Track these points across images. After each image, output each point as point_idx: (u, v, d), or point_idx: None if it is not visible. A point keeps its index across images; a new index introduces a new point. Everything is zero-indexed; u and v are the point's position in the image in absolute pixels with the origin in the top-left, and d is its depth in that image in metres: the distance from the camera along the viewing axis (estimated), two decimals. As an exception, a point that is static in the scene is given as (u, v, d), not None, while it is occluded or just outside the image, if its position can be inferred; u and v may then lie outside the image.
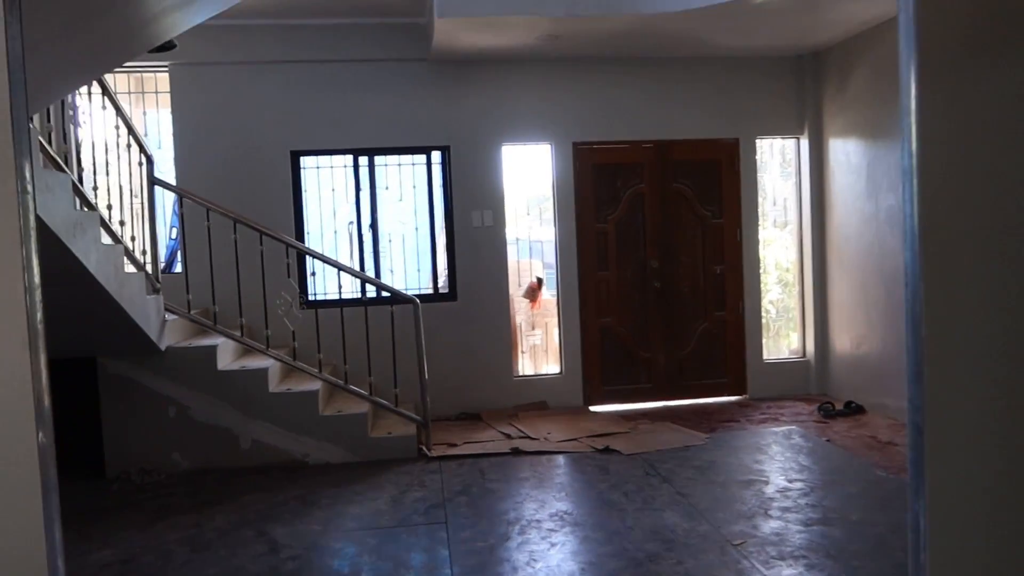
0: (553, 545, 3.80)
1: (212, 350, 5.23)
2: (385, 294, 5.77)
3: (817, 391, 6.82)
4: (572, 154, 6.56)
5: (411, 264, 6.56)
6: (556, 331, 6.81)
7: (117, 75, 6.20)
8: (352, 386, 5.46)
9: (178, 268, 6.20)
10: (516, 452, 5.35)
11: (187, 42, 5.92)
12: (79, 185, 4.15)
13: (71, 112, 4.13)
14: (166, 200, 6.94)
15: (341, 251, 6.57)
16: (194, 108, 6.15)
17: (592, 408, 6.55)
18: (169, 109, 6.15)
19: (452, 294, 6.50)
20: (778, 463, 4.94)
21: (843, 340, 6.57)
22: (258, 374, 5.27)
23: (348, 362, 5.48)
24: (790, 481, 4.58)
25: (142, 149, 5.01)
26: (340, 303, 5.63)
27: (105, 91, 4.49)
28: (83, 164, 4.36)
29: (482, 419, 6.24)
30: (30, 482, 1.82)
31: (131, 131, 4.82)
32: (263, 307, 5.43)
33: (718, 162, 6.80)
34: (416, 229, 6.54)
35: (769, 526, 3.92)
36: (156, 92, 6.37)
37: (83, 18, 2.65)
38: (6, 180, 1.93)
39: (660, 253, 6.72)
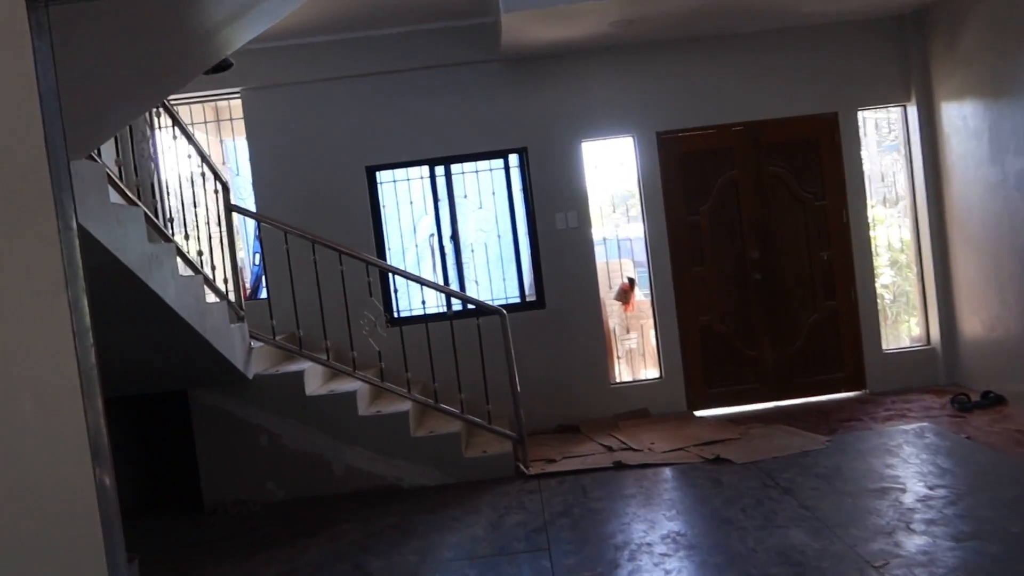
0: (668, 573, 3.45)
1: (299, 376, 5.12)
2: (470, 306, 5.54)
3: (947, 382, 6.19)
4: (656, 144, 6.18)
5: (496, 273, 6.32)
6: (652, 333, 6.44)
7: (194, 105, 6.22)
8: (443, 404, 5.25)
9: (265, 293, 6.16)
10: (619, 466, 5.01)
11: (255, 65, 5.90)
12: (153, 218, 4.09)
13: (144, 144, 4.07)
14: (248, 227, 6.95)
15: (424, 265, 6.40)
16: (268, 131, 6.10)
17: (697, 413, 6.14)
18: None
19: (540, 301, 6.22)
20: (913, 467, 4.43)
21: (973, 323, 5.93)
22: (346, 398, 5.13)
23: (437, 380, 5.28)
24: (931, 488, 4.08)
25: (217, 176, 4.95)
26: (424, 319, 5.43)
27: (175, 121, 4.43)
28: (158, 196, 4.29)
29: (580, 431, 5.93)
30: (90, 521, 1.61)
31: (204, 159, 4.76)
32: (347, 328, 5.29)
33: (816, 140, 6.28)
34: (498, 236, 6.30)
35: (913, 543, 3.45)
36: (231, 119, 6.36)
37: (132, 41, 2.50)
38: (45, 219, 1.75)
39: (759, 243, 6.25)
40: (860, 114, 6.33)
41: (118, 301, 3.85)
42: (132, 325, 4.11)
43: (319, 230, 5.54)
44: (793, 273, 6.27)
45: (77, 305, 1.86)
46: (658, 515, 4.14)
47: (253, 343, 5.16)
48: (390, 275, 5.99)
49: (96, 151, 3.68)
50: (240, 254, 6.63)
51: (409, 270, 6.25)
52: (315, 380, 5.35)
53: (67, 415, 1.68)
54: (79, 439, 1.70)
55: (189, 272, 4.49)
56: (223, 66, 3.59)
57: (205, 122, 6.30)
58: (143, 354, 4.52)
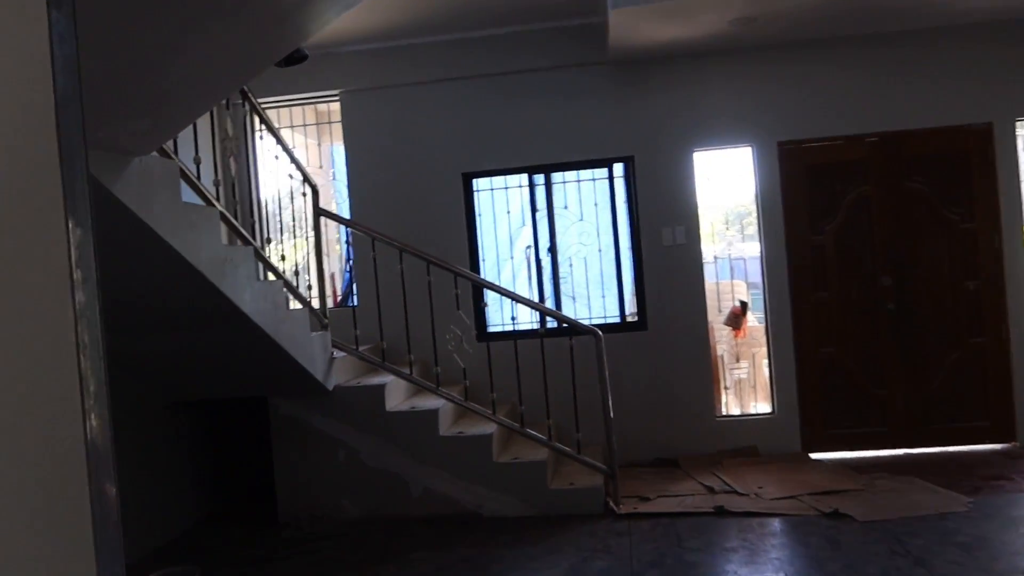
0: (771, 651, 2.94)
1: (380, 390, 4.87)
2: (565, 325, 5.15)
3: (1119, 438, 5.30)
4: (778, 155, 5.61)
5: (595, 290, 5.91)
6: (765, 363, 5.85)
7: (295, 108, 6.15)
8: (529, 430, 4.88)
9: (355, 301, 5.99)
10: (720, 512, 4.49)
11: (355, 67, 5.76)
12: (232, 220, 3.94)
13: (228, 143, 3.93)
14: (344, 234, 6.82)
15: (519, 278, 6.07)
16: (365, 135, 5.94)
17: (813, 456, 5.49)
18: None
19: (642, 322, 5.76)
20: (1081, 542, 3.70)
21: None
22: (428, 416, 4.84)
23: (525, 402, 4.92)
24: (1106, 572, 3.36)
25: (306, 179, 4.79)
26: (514, 335, 5.08)
27: (262, 119, 4.28)
28: (244, 199, 4.14)
29: (680, 466, 5.42)
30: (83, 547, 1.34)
31: (293, 160, 4.61)
32: (432, 342, 5.01)
33: (965, 153, 5.54)
34: (599, 251, 5.88)
35: (1087, 645, 2.80)
36: (329, 123, 6.25)
37: (189, 26, 2.28)
38: (50, 216, 1.50)
39: (893, 268, 5.56)
40: (1020, 125, 5.54)
41: (188, 304, 3.70)
42: (204, 329, 3.97)
43: (412, 238, 5.31)
44: (932, 304, 5.54)
45: (85, 314, 1.59)
46: (763, 576, 3.62)
47: (336, 353, 4.96)
48: (483, 287, 5.68)
49: (173, 148, 3.54)
50: (336, 261, 6.52)
51: (504, 283, 5.94)
52: (397, 395, 5.09)
53: (70, 446, 1.40)
54: (76, 457, 1.44)
55: (272, 277, 4.33)
56: (297, 57, 3.38)
57: (304, 125, 6.21)
58: (218, 359, 4.39)
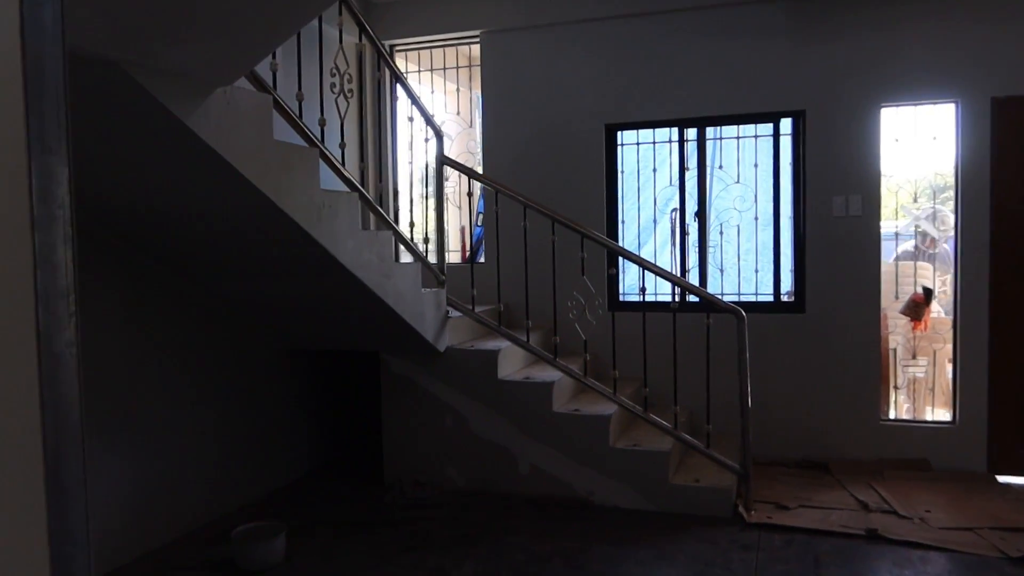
0: None
1: (493, 356, 4.51)
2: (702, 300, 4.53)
3: None
4: (992, 115, 4.61)
5: (747, 263, 5.20)
6: (949, 362, 4.93)
7: (434, 51, 5.81)
8: (654, 415, 4.35)
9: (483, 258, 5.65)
10: (873, 536, 3.77)
11: (497, 4, 5.33)
12: (336, 163, 3.65)
13: (337, 80, 3.63)
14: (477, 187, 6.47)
15: (660, 243, 5.47)
16: (502, 80, 5.51)
17: (1001, 479, 4.58)
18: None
19: (799, 303, 5.01)
20: None
21: None
22: (542, 388, 4.43)
23: (651, 383, 4.40)
24: None
25: (428, 122, 4.44)
26: (643, 306, 4.53)
27: (380, 54, 3.93)
28: (347, 140, 3.84)
29: (830, 472, 4.69)
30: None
31: (413, 101, 4.26)
32: (552, 308, 4.57)
33: None
34: (755, 219, 5.16)
35: None
36: (469, 66, 5.87)
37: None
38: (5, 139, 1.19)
39: None
40: None
41: (282, 250, 3.48)
42: (304, 278, 3.75)
43: (546, 194, 4.90)
44: None
45: (48, 259, 1.27)
46: (918, 630, 2.93)
47: (451, 312, 4.65)
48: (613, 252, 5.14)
49: (272, 81, 3.28)
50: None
51: (645, 249, 5.38)
52: (512, 363, 4.71)
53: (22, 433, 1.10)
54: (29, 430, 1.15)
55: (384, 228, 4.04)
56: None
57: (444, 68, 5.86)
58: (322, 311, 4.19)
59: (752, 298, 5.17)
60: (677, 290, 4.71)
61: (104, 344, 3.50)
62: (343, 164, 3.71)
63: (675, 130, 5.24)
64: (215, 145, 2.74)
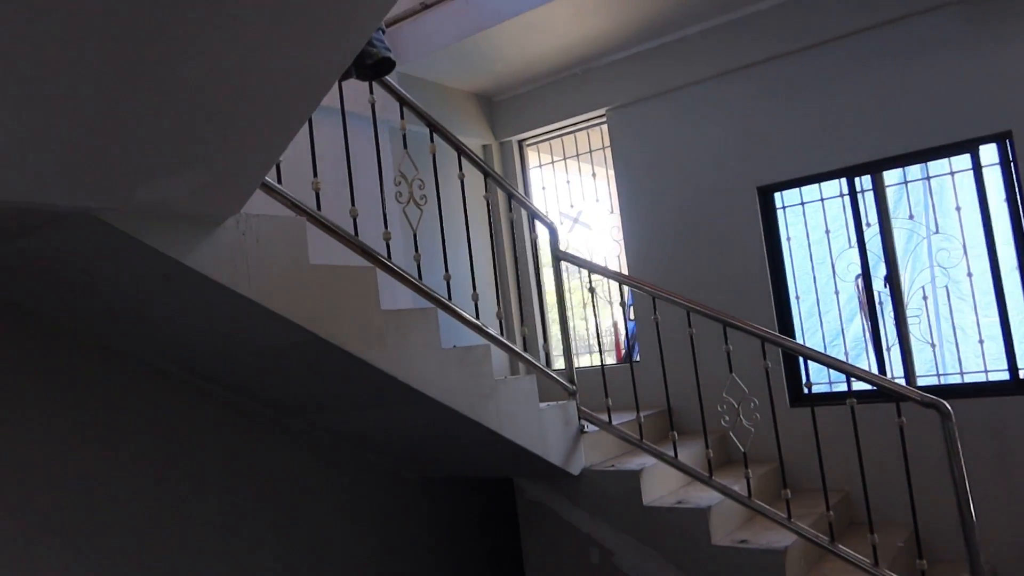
0: None
1: (635, 477, 3.78)
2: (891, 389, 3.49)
3: None
4: None
5: (967, 330, 4.06)
6: None
7: (565, 138, 5.41)
8: (844, 547, 3.36)
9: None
10: None
11: (619, 79, 4.90)
12: (408, 275, 3.26)
13: (409, 186, 3.32)
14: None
15: (848, 316, 4.47)
16: (635, 157, 4.97)
17: None
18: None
19: (1048, 380, 3.77)
20: None
21: None
22: (695, 516, 3.60)
23: (851, 496, 3.44)
24: None
25: (534, 216, 3.99)
26: (809, 399, 3.58)
27: (447, 139, 3.53)
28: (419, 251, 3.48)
29: None
30: None
31: (508, 193, 3.82)
32: (699, 411, 3.78)
33: None
34: (968, 275, 4.04)
35: None
36: (590, 150, 5.38)
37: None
38: None
39: None
40: None
41: (347, 384, 3.14)
42: (387, 408, 3.37)
43: (695, 275, 4.24)
44: None
45: None
46: None
47: (588, 426, 4.02)
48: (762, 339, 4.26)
49: (315, 201, 3.02)
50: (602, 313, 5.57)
51: (828, 324, 4.43)
52: (665, 483, 3.95)
53: None
54: None
55: (479, 340, 3.58)
56: (385, 66, 2.58)
57: (591, 151, 5.41)
58: (427, 438, 3.77)
59: (980, 377, 3.99)
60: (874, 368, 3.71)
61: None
62: (420, 278, 3.33)
63: (844, 181, 4.33)
64: (227, 282, 2.48)
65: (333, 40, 2.08)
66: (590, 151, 5.38)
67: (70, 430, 2.99)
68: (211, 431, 3.47)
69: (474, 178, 3.82)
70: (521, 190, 5.53)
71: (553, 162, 5.53)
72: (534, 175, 5.60)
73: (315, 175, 3.00)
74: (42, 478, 2.90)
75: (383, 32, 2.54)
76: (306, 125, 2.99)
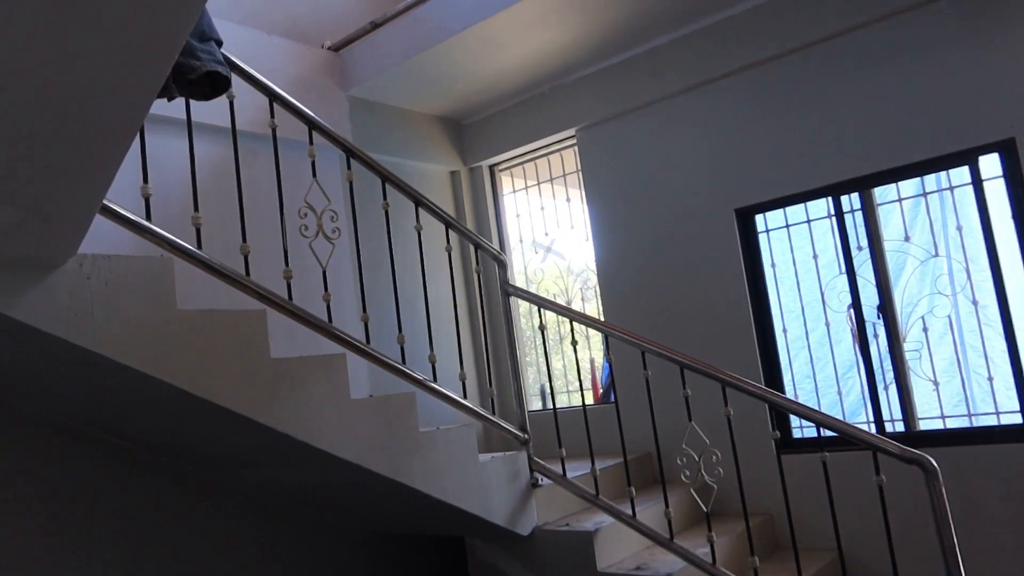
0: None
1: (588, 538, 3.35)
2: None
3: None
4: None
5: (974, 368, 3.56)
6: None
7: (539, 161, 5.05)
8: (822, 623, 2.88)
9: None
10: None
11: (586, 97, 4.54)
12: (309, 315, 2.91)
13: (303, 219, 2.99)
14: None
15: (840, 350, 3.99)
16: (605, 180, 4.59)
17: None
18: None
19: (1068, 423, 3.24)
20: None
21: None
22: (655, 585, 3.16)
23: (824, 565, 2.95)
24: None
25: (478, 247, 3.62)
26: (796, 444, 3.12)
27: (376, 171, 3.20)
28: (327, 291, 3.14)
29: None
30: None
31: (449, 224, 3.47)
32: (659, 463, 3.34)
33: None
34: (973, 303, 3.54)
35: None
36: (564, 175, 5.01)
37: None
38: None
39: None
40: None
41: (234, 442, 2.80)
42: (298, 467, 3.02)
43: (667, 306, 3.88)
44: None
45: None
46: None
47: (542, 480, 3.61)
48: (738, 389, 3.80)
49: (195, 240, 2.70)
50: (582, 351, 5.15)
51: (819, 358, 3.97)
52: (626, 544, 3.50)
53: None
54: None
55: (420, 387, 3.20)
56: (215, 83, 2.23)
57: (565, 174, 5.06)
58: (346, 498, 3.40)
59: (992, 420, 3.48)
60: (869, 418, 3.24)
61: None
62: (329, 320, 2.97)
63: (830, 200, 3.88)
64: (63, 334, 2.16)
65: (131, 50, 1.76)
66: (564, 175, 5.01)
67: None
68: (110, 486, 3.16)
69: (405, 207, 3.47)
70: (493, 218, 5.17)
71: (527, 187, 5.17)
72: (508, 201, 5.24)
73: (196, 208, 2.68)
74: None
75: (217, 45, 2.21)
76: (186, 152, 2.70)
